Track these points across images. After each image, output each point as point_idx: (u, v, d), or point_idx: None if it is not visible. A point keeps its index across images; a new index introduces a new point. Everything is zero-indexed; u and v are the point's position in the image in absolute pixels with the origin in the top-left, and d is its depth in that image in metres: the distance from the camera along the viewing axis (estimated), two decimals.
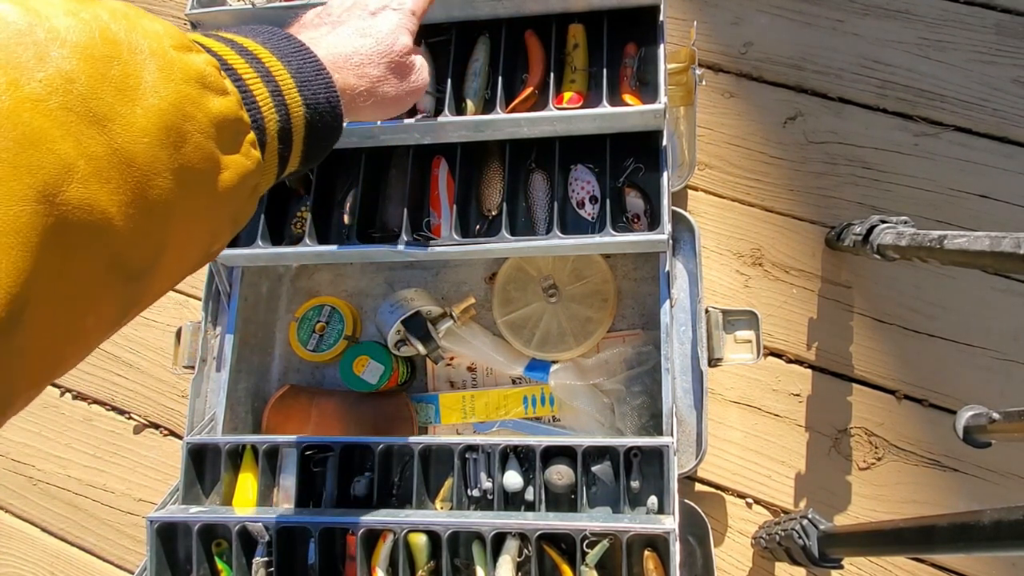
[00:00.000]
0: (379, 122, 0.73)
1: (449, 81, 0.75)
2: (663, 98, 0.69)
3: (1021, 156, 0.94)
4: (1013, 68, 0.97)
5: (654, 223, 0.78)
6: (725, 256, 0.96)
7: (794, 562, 0.75)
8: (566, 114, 0.71)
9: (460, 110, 0.77)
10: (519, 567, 0.66)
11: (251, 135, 0.33)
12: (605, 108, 0.70)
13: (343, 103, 0.41)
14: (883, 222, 0.80)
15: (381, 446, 0.74)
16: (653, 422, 0.79)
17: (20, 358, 0.23)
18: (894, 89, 0.98)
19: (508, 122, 0.72)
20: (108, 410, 1.06)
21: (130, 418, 1.05)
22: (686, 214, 0.87)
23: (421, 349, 0.80)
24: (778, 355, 0.92)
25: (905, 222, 0.81)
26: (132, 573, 0.98)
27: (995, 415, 0.60)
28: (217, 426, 0.80)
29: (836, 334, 0.91)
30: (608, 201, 0.75)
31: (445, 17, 0.76)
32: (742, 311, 0.78)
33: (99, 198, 0.24)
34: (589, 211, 0.80)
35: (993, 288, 0.90)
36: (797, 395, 0.90)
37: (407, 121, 0.73)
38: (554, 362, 0.83)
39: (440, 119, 0.73)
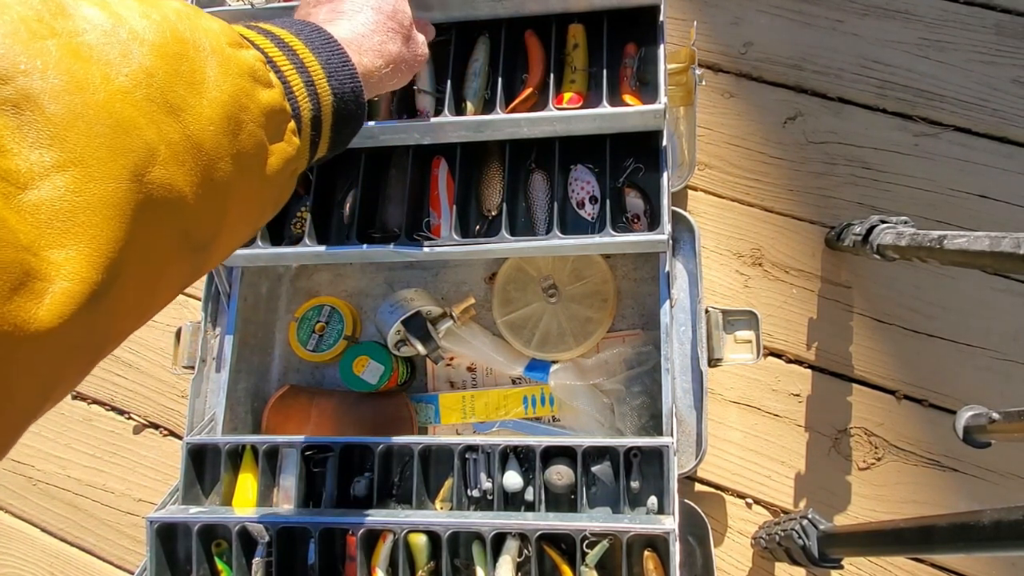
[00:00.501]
0: (377, 123, 0.73)
1: (449, 81, 0.75)
2: (663, 98, 0.68)
3: (1020, 156, 0.94)
4: (1013, 68, 0.97)
5: (654, 223, 0.78)
6: (725, 256, 0.96)
7: (794, 562, 0.75)
8: (566, 114, 0.71)
9: (460, 110, 0.77)
10: (519, 567, 0.66)
11: (292, 123, 0.36)
12: (605, 108, 0.70)
13: (366, 85, 0.43)
14: (883, 222, 0.80)
15: (381, 446, 0.74)
16: (653, 422, 0.79)
17: (111, 316, 0.26)
18: (894, 89, 0.98)
19: (508, 122, 0.72)
20: (108, 410, 1.06)
21: (130, 418, 1.05)
22: (686, 214, 0.87)
23: (421, 349, 0.80)
24: (778, 355, 0.92)
25: (905, 222, 0.81)
26: (132, 573, 0.98)
27: (995, 415, 0.60)
28: (217, 426, 0.80)
29: (836, 334, 0.91)
30: (608, 201, 0.75)
31: (445, 18, 0.76)
32: (742, 311, 0.78)
33: (176, 178, 0.27)
34: (589, 211, 0.80)
35: (993, 288, 0.90)
36: (797, 395, 0.90)
37: (407, 122, 0.73)
38: (554, 362, 0.83)
39: (440, 119, 0.72)
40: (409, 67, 0.53)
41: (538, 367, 0.83)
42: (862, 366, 0.90)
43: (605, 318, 0.83)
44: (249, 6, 0.74)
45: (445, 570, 0.67)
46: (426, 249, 0.75)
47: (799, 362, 0.91)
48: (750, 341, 0.78)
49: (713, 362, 0.78)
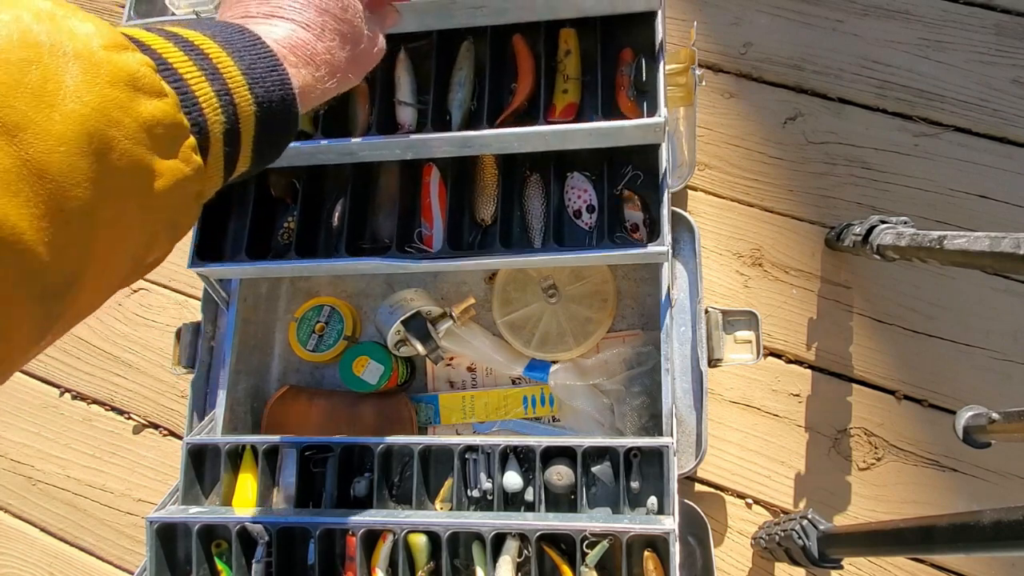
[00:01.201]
0: (358, 139, 0.69)
1: (432, 92, 0.72)
2: (663, 111, 0.66)
3: (1021, 156, 0.94)
4: (1013, 68, 0.97)
5: (654, 234, 0.75)
6: (725, 256, 0.96)
7: (794, 562, 0.75)
8: (559, 129, 0.67)
9: (444, 123, 0.74)
10: (519, 567, 0.66)
11: (191, 139, 0.31)
12: (601, 123, 0.66)
13: (303, 94, 0.39)
14: (883, 222, 0.80)
15: (381, 446, 0.74)
16: (653, 422, 0.79)
17: None
18: (894, 89, 0.98)
19: (496, 138, 0.68)
20: (108, 410, 1.06)
21: (129, 418, 1.05)
22: (686, 214, 0.87)
23: (421, 349, 0.80)
24: (778, 355, 0.92)
25: (905, 222, 0.81)
26: (132, 573, 0.98)
27: (995, 415, 0.60)
28: (217, 426, 0.80)
29: (836, 334, 0.91)
30: (606, 210, 0.73)
31: (419, 26, 0.72)
32: (742, 311, 0.78)
33: (7, 212, 0.23)
34: (586, 220, 0.77)
35: (993, 288, 0.90)
36: (797, 395, 0.90)
37: (386, 138, 0.69)
38: (554, 362, 0.83)
39: (422, 135, 0.69)
40: (361, 69, 0.48)
41: (538, 367, 0.83)
42: (862, 366, 0.90)
43: (605, 318, 0.83)
44: (193, 15, 0.71)
45: (445, 570, 0.67)
46: (418, 262, 0.73)
47: (799, 362, 0.91)
48: (750, 341, 0.78)
49: (713, 362, 0.78)
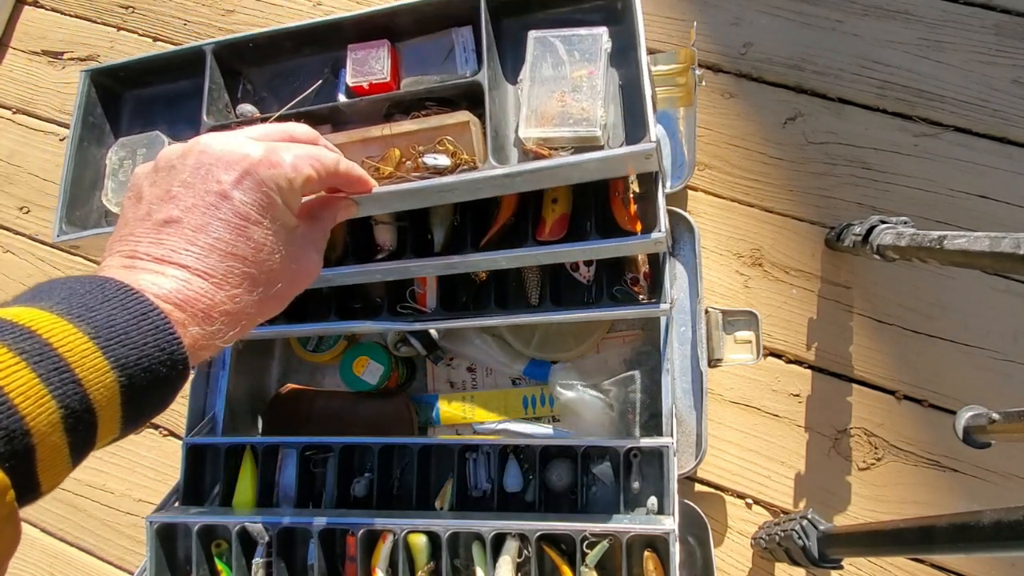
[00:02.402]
0: (329, 270, 0.66)
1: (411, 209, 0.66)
2: (664, 225, 0.61)
3: (1021, 156, 0.94)
4: (1013, 69, 0.97)
5: (655, 287, 0.70)
6: (725, 256, 0.96)
7: (794, 563, 0.75)
8: (551, 250, 0.63)
9: (427, 243, 0.69)
10: (519, 568, 0.66)
11: None
12: (599, 243, 0.63)
13: (193, 349, 0.34)
14: (883, 222, 0.80)
15: (381, 446, 0.74)
16: (653, 422, 0.79)
17: None
18: (894, 89, 0.98)
19: (484, 260, 0.65)
20: None
21: None
22: (686, 214, 0.87)
23: (421, 349, 0.80)
24: (778, 355, 0.91)
25: (905, 222, 0.81)
26: (132, 574, 0.98)
27: (995, 415, 0.60)
28: (217, 426, 0.80)
29: (836, 334, 0.91)
30: (604, 262, 0.70)
31: (382, 210, 0.66)
32: (742, 311, 0.78)
33: None
34: (584, 273, 0.73)
35: (993, 288, 0.90)
36: (797, 395, 0.90)
37: (364, 267, 0.67)
38: (554, 362, 0.83)
39: (404, 263, 0.66)
40: (281, 303, 0.41)
41: (538, 367, 0.83)
42: (862, 366, 0.90)
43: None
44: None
45: (445, 570, 0.67)
46: (411, 324, 0.71)
47: (799, 362, 0.91)
48: (750, 341, 0.78)
49: (713, 362, 0.78)
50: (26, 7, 1.23)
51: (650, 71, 0.61)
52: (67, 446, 0.29)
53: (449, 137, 0.58)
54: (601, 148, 0.57)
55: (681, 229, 0.87)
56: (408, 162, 0.58)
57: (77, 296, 0.31)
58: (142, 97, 0.72)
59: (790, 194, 0.97)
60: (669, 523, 0.65)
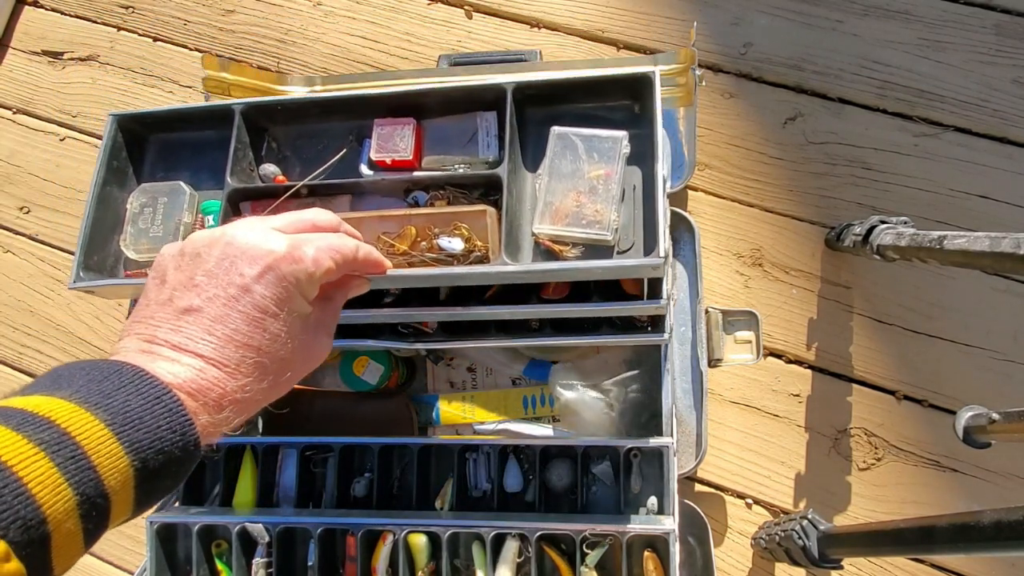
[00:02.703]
0: None
1: None
2: (664, 245, 0.58)
3: (1021, 156, 0.94)
4: (1013, 68, 0.97)
5: (656, 323, 0.71)
6: (725, 256, 0.96)
7: (794, 563, 0.75)
8: (554, 308, 0.65)
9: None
10: (519, 568, 0.66)
11: (2, 546, 0.27)
12: (600, 305, 0.63)
13: (203, 435, 0.35)
14: (883, 222, 0.80)
15: (381, 446, 0.74)
16: (653, 422, 0.79)
17: None
18: (894, 89, 0.98)
19: (488, 314, 0.65)
20: None
21: None
22: (686, 214, 0.87)
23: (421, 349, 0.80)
24: (778, 355, 0.92)
25: (905, 222, 0.81)
26: (132, 574, 0.98)
27: (995, 415, 0.60)
28: None
29: (836, 334, 0.91)
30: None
31: (389, 285, 0.64)
32: (742, 311, 0.78)
33: None
34: None
35: (993, 288, 0.90)
36: (797, 395, 0.90)
37: (372, 312, 0.66)
38: (554, 362, 0.83)
39: (410, 311, 0.66)
40: (286, 388, 0.42)
41: (538, 367, 0.83)
42: (862, 366, 0.90)
43: None
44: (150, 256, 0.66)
45: (445, 571, 0.67)
46: (412, 345, 0.72)
47: (799, 362, 0.91)
48: (750, 341, 0.78)
49: (713, 362, 0.78)
50: (26, 7, 1.23)
51: (665, 180, 0.62)
52: (81, 531, 0.30)
53: (465, 224, 0.60)
54: (612, 248, 0.60)
55: (681, 229, 0.87)
56: (423, 242, 0.60)
57: (95, 383, 0.32)
58: (167, 141, 0.72)
59: (790, 194, 0.97)
60: (669, 523, 0.65)
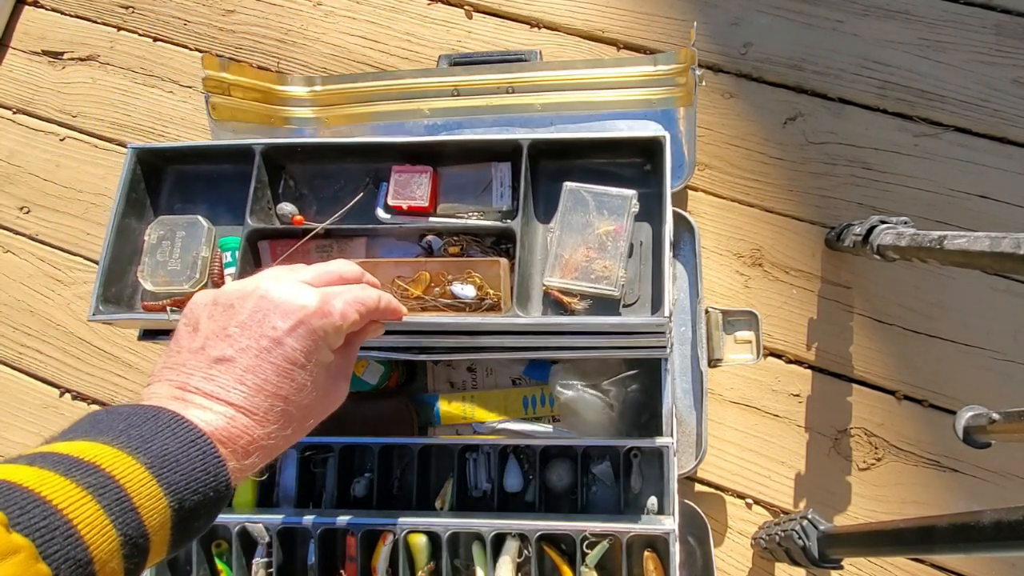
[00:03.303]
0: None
1: None
2: (667, 304, 0.60)
3: (1021, 156, 0.94)
4: (1013, 68, 0.97)
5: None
6: (725, 256, 0.96)
7: (794, 563, 0.75)
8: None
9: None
10: (519, 568, 0.66)
11: None
12: (605, 331, 0.65)
13: (236, 470, 0.37)
14: (883, 222, 0.80)
15: (381, 446, 0.74)
16: (653, 422, 0.79)
17: None
18: (894, 89, 0.98)
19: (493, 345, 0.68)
20: None
21: None
22: (686, 214, 0.87)
23: None
24: (778, 355, 0.92)
25: (905, 222, 0.81)
26: None
27: (995, 415, 0.60)
28: None
29: (836, 334, 0.91)
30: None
31: (400, 327, 0.65)
32: (742, 311, 0.78)
33: None
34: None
35: (993, 288, 0.90)
36: (797, 395, 0.90)
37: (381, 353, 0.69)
38: (554, 362, 0.83)
39: (416, 339, 0.68)
40: (304, 431, 0.43)
41: (538, 367, 0.83)
42: (862, 366, 0.90)
43: None
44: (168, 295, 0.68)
45: (445, 571, 0.67)
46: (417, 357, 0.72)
47: (799, 362, 0.91)
48: (750, 341, 0.78)
49: (713, 362, 0.78)
50: (26, 7, 1.23)
51: (671, 242, 0.64)
52: (123, 571, 0.31)
53: (477, 274, 0.63)
54: (618, 301, 0.64)
55: (681, 229, 0.87)
56: (437, 287, 0.64)
57: (135, 428, 0.34)
58: (185, 173, 0.73)
59: (790, 194, 0.97)
60: (669, 523, 0.65)
